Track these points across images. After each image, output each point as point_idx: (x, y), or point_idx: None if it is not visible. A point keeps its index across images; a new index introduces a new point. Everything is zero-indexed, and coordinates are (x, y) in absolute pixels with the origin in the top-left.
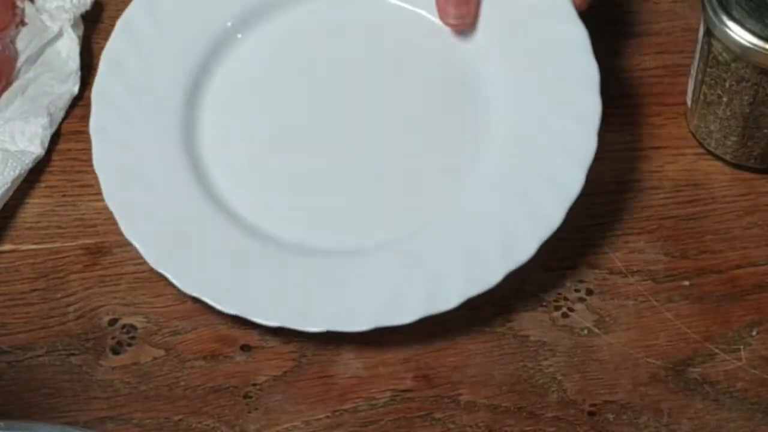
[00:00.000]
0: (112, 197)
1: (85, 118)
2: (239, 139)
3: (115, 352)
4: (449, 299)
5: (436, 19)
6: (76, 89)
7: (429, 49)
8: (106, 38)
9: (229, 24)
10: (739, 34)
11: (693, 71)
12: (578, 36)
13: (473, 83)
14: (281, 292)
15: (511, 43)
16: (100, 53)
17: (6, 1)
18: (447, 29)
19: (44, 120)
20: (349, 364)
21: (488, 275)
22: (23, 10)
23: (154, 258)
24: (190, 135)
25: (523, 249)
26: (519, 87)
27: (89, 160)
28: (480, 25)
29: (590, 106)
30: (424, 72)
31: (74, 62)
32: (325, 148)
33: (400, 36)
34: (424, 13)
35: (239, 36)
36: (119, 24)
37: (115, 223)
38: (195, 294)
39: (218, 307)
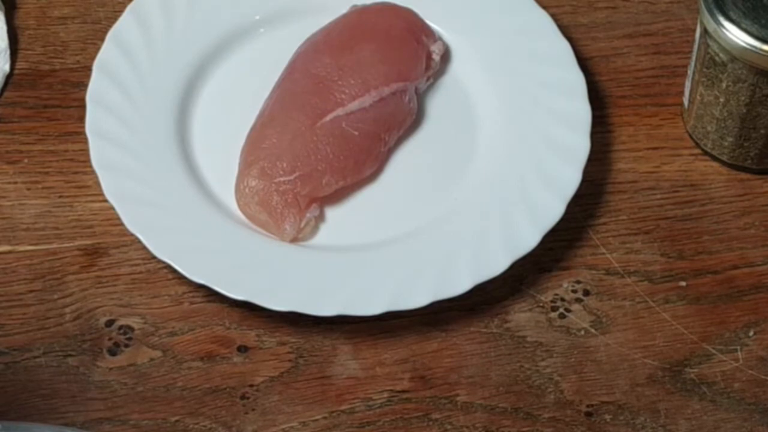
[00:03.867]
0: (112, 192)
1: (82, 119)
2: (237, 141)
3: (112, 353)
4: (459, 285)
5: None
6: (7, 67)
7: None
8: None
9: (226, 29)
10: (735, 34)
11: (690, 72)
12: (563, 50)
13: (470, 98)
14: (290, 280)
15: (504, 63)
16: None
17: None
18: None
19: None
20: (346, 365)
21: (495, 264)
22: None
23: (159, 249)
24: (185, 134)
25: (527, 240)
26: (513, 99)
27: (86, 161)
28: (475, 49)
29: (580, 112)
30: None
31: (2, 41)
32: None
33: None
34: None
35: (234, 42)
36: (111, 33)
37: (112, 225)
38: (202, 281)
39: (226, 293)
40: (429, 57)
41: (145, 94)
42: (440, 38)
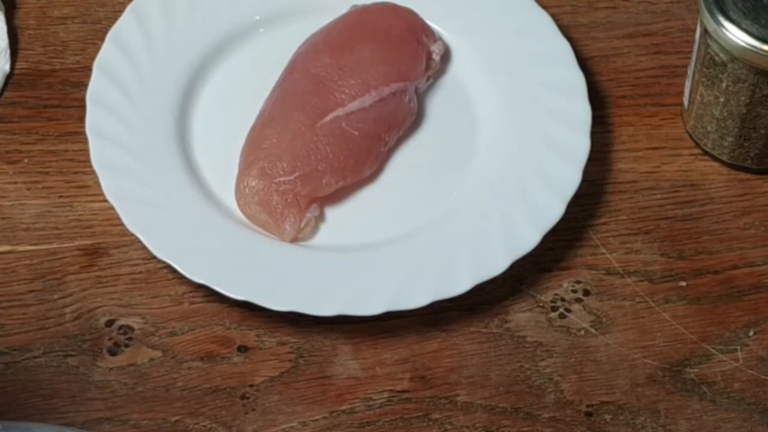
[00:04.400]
0: (112, 192)
1: (82, 119)
2: (237, 141)
3: (112, 353)
4: (459, 285)
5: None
6: (7, 67)
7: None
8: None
9: (226, 29)
10: (735, 34)
11: (690, 72)
12: (563, 50)
13: (470, 98)
14: (290, 280)
15: (504, 63)
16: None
17: None
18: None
19: None
20: (346, 365)
21: (495, 264)
22: None
23: (159, 249)
24: (185, 134)
25: (527, 240)
26: (513, 99)
27: (86, 161)
28: (475, 49)
29: (580, 112)
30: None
31: (2, 41)
32: None
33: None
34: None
35: (234, 42)
36: (111, 33)
37: (112, 224)
38: (202, 281)
39: (226, 293)
40: (429, 57)
41: (145, 94)
42: (440, 38)
